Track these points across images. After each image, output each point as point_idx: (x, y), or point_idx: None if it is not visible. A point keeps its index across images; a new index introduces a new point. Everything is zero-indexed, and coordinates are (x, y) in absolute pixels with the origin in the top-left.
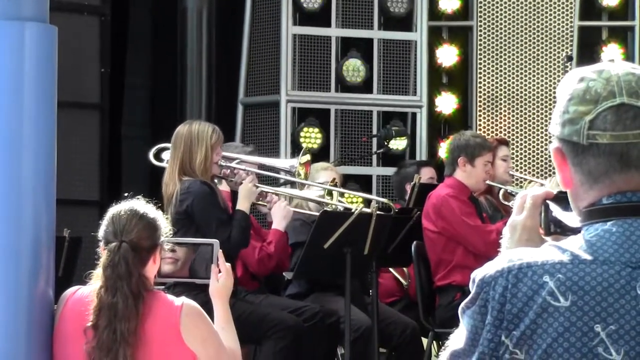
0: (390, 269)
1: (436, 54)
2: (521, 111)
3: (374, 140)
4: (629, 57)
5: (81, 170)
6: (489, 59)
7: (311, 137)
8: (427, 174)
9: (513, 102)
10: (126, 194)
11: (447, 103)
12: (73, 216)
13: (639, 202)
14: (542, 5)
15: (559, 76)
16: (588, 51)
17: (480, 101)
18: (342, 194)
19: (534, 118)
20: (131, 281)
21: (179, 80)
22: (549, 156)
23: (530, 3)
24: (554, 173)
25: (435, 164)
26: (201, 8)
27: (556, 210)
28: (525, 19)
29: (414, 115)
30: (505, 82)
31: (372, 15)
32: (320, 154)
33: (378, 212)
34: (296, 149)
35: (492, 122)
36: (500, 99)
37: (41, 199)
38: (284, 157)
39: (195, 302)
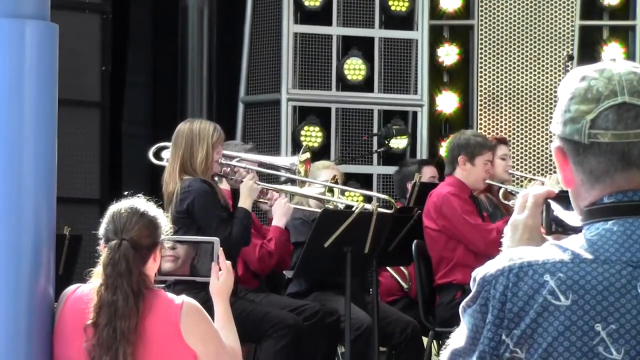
0: (391, 272)
1: (437, 53)
2: (522, 110)
3: (375, 139)
4: (630, 56)
5: (82, 169)
6: (489, 58)
7: (312, 135)
8: (428, 173)
9: (514, 101)
10: (126, 193)
11: (448, 102)
12: (73, 214)
13: None
14: (543, 5)
15: (559, 75)
16: (589, 50)
17: (481, 100)
18: (343, 192)
19: (534, 117)
20: (131, 279)
21: (180, 78)
22: (550, 155)
23: (531, 2)
24: (554, 172)
25: (436, 163)
26: (202, 6)
27: (557, 210)
28: (526, 18)
29: (414, 114)
30: (506, 81)
31: (373, 14)
32: (321, 153)
33: (379, 209)
34: (297, 148)
35: (493, 121)
36: (501, 98)
37: (41, 196)
38: (285, 156)
39: (195, 300)
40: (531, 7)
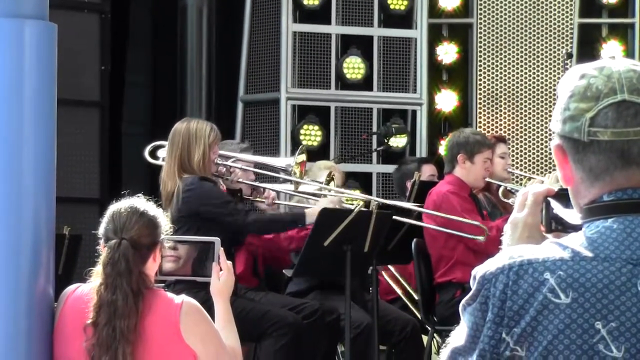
0: (394, 273)
1: (436, 52)
2: (521, 108)
3: (374, 137)
4: (629, 54)
5: (81, 168)
6: (489, 56)
7: (311, 134)
8: (428, 171)
9: (513, 99)
10: (124, 192)
11: (447, 100)
12: (73, 214)
13: None
14: (542, 3)
15: (559, 73)
16: (588, 48)
17: (480, 98)
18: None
19: (534, 115)
20: (131, 279)
21: (179, 77)
22: (549, 153)
23: (530, 0)
24: (553, 170)
25: (436, 161)
26: (201, 5)
27: (557, 208)
28: (525, 16)
29: (414, 112)
30: (505, 80)
31: (372, 13)
32: (320, 152)
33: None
34: (296, 146)
35: (492, 120)
36: (500, 96)
37: (41, 196)
38: (284, 155)
39: (195, 300)
40: (530, 5)
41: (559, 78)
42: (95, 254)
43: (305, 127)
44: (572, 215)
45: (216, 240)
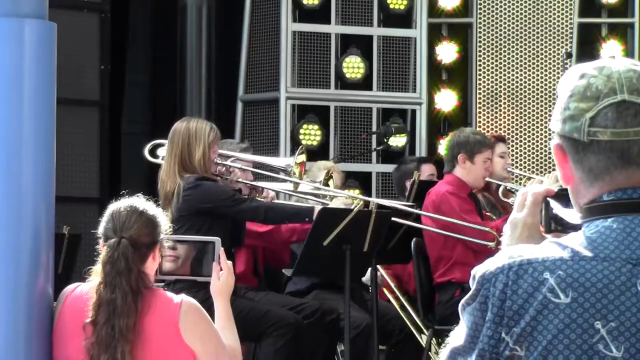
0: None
1: (436, 51)
2: (521, 108)
3: (374, 137)
4: (629, 54)
5: (81, 168)
6: (488, 55)
7: (311, 134)
8: (427, 171)
9: (513, 99)
10: (123, 192)
11: (446, 100)
12: (72, 213)
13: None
14: (542, 2)
15: (558, 73)
16: (588, 48)
17: (479, 98)
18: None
19: (533, 115)
20: (130, 277)
21: (179, 77)
22: (548, 153)
23: (529, 0)
24: (553, 169)
25: (435, 161)
26: (201, 5)
27: (557, 207)
28: (525, 16)
29: (413, 112)
30: (504, 79)
31: (372, 12)
32: (319, 151)
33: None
34: (295, 146)
35: (492, 119)
36: (500, 96)
37: (40, 196)
38: (284, 155)
39: (194, 299)
40: (530, 4)
41: (558, 78)
42: (95, 253)
43: (304, 126)
44: (571, 215)
45: (216, 240)
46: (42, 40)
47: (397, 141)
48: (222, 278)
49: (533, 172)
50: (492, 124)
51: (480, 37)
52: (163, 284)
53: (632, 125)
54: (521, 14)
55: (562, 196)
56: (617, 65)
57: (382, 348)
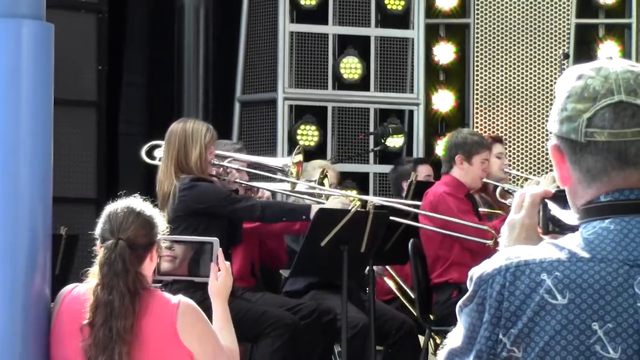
0: (391, 272)
1: (433, 52)
2: (518, 109)
3: (371, 137)
4: (626, 54)
5: (78, 168)
6: (486, 56)
7: (308, 134)
8: (423, 172)
9: (510, 99)
10: (120, 193)
11: (444, 100)
12: (70, 214)
13: (637, 200)
14: (539, 3)
15: (555, 74)
16: (585, 49)
17: (477, 98)
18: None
19: (530, 115)
20: (127, 279)
21: (176, 77)
22: (546, 153)
23: (527, 0)
24: (550, 170)
25: (432, 161)
26: (198, 5)
27: (554, 209)
28: (522, 17)
29: (411, 112)
30: (502, 80)
31: (369, 13)
32: (317, 152)
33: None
34: (293, 147)
35: (489, 120)
36: (497, 97)
37: (38, 196)
38: (281, 155)
39: (192, 300)
40: (527, 5)
41: (555, 78)
42: (92, 254)
43: (302, 127)
44: (569, 216)
45: (215, 240)
46: (40, 40)
47: (395, 142)
48: (220, 279)
49: (530, 172)
50: (489, 125)
51: (477, 37)
52: (160, 284)
53: (629, 126)
54: (518, 14)
55: (559, 197)
56: (615, 66)
57: (379, 348)
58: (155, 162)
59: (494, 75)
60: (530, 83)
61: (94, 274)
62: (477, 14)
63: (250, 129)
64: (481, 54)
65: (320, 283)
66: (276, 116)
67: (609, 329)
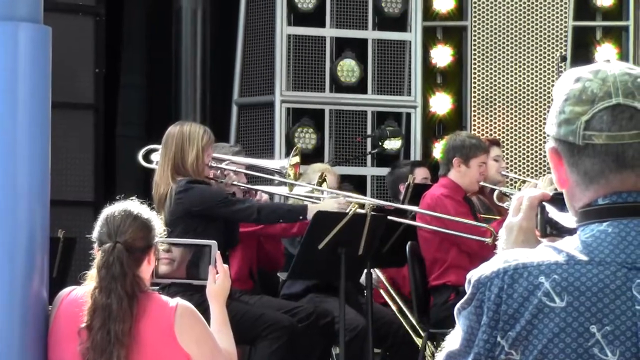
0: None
1: (430, 54)
2: (515, 111)
3: (369, 140)
4: (623, 57)
5: (75, 171)
6: (483, 59)
7: (305, 137)
8: (421, 174)
9: (507, 102)
10: (118, 197)
11: (441, 103)
12: (67, 217)
13: (635, 203)
14: (537, 5)
15: (553, 76)
16: (582, 51)
17: (474, 101)
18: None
19: (528, 118)
20: (125, 282)
21: (174, 80)
22: (543, 156)
23: (524, 3)
24: (547, 173)
25: (430, 164)
26: (196, 8)
27: (552, 211)
28: (520, 19)
29: (408, 115)
30: (499, 82)
31: (367, 16)
32: (314, 155)
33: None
34: (290, 150)
35: (487, 122)
36: (495, 99)
37: (35, 199)
38: (279, 158)
39: (190, 302)
40: (524, 7)
41: (553, 81)
42: (90, 257)
43: (299, 129)
44: (567, 219)
45: (213, 243)
46: (37, 44)
47: (392, 144)
48: (218, 281)
49: (527, 175)
50: (486, 127)
51: (475, 40)
52: (158, 287)
53: (627, 129)
54: (516, 17)
55: (557, 200)
56: (613, 68)
57: (377, 351)
58: (152, 166)
59: (491, 78)
60: (528, 86)
61: (91, 277)
62: (475, 16)
63: (248, 131)
64: (478, 57)
65: (317, 286)
66: (273, 119)
67: (607, 332)
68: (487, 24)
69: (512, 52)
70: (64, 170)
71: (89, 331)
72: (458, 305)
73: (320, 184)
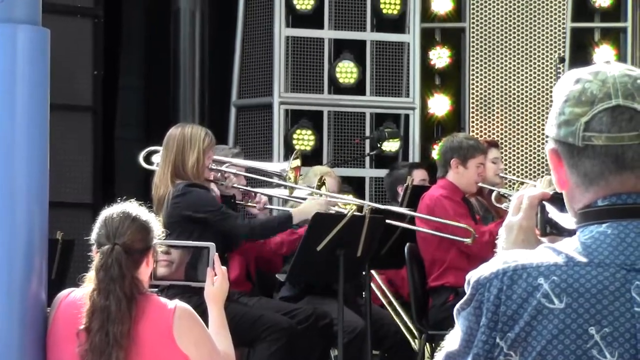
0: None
1: (429, 56)
2: (514, 113)
3: (367, 142)
4: (622, 58)
5: (74, 173)
6: (481, 60)
7: (304, 139)
8: (419, 176)
9: (505, 103)
10: (117, 199)
11: (439, 105)
12: (66, 218)
13: (634, 204)
14: (535, 7)
15: (551, 78)
16: (580, 53)
17: (472, 103)
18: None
19: (526, 120)
20: (124, 284)
21: (172, 82)
22: (541, 158)
23: (522, 4)
24: (546, 174)
25: (428, 165)
26: (194, 10)
27: (552, 212)
28: (518, 21)
29: (406, 117)
30: (497, 84)
31: (365, 17)
32: (313, 156)
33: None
34: (289, 151)
35: (485, 124)
36: (493, 101)
37: (34, 201)
38: (277, 159)
39: (188, 304)
40: (522, 9)
41: (551, 82)
42: (88, 259)
43: (298, 131)
44: (567, 220)
45: (211, 245)
46: (36, 46)
47: (391, 146)
48: (216, 283)
49: (526, 177)
50: (485, 129)
51: (473, 41)
52: (157, 289)
53: (626, 130)
54: (514, 18)
55: (557, 199)
56: (612, 70)
57: (375, 353)
58: (153, 168)
59: (489, 79)
60: (526, 87)
61: (90, 279)
62: (473, 18)
63: (246, 133)
64: (477, 58)
65: (316, 288)
66: (272, 121)
67: (605, 334)
68: (486, 25)
69: (510, 54)
70: (63, 172)
71: (87, 333)
72: (457, 305)
73: (319, 187)
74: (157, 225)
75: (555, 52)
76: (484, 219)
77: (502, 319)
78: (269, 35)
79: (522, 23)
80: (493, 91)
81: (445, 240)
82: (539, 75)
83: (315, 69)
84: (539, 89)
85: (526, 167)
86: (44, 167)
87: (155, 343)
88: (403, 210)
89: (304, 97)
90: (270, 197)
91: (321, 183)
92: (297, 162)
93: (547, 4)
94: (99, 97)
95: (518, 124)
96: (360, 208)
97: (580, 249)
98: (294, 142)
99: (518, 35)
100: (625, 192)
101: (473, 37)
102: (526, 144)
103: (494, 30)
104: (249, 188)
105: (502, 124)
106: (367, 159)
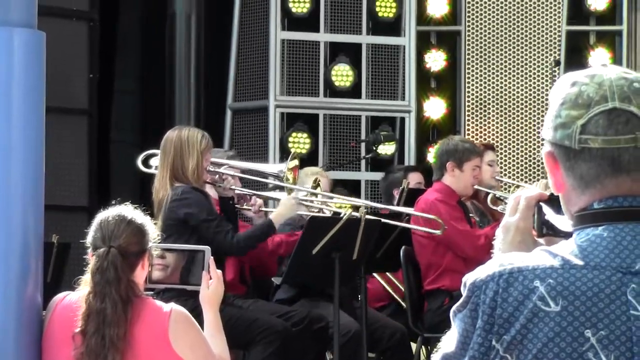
0: (380, 281)
1: (424, 59)
2: (509, 116)
3: (363, 145)
4: (617, 61)
5: (70, 176)
6: (477, 63)
7: (300, 142)
8: (414, 179)
9: (501, 106)
10: (113, 202)
11: (435, 108)
12: (61, 222)
13: (630, 207)
14: (530, 10)
15: (546, 81)
16: (576, 56)
17: (468, 106)
18: (330, 197)
19: (522, 122)
20: (120, 287)
21: (168, 85)
22: (537, 161)
23: (518, 8)
24: (541, 177)
25: (424, 168)
26: (190, 13)
27: (549, 213)
28: (513, 24)
29: (402, 120)
30: (493, 87)
31: (361, 20)
32: (309, 159)
33: (367, 216)
34: (285, 154)
35: (481, 127)
36: (489, 104)
37: (29, 204)
38: (273, 162)
39: (184, 308)
40: (518, 12)
41: (547, 85)
42: (84, 262)
43: (293, 134)
44: (563, 222)
45: (206, 248)
46: (31, 49)
47: (386, 149)
48: (211, 287)
49: (522, 180)
50: (480, 132)
51: (468, 44)
52: (152, 292)
53: (622, 133)
54: (509, 21)
55: (554, 201)
56: (609, 73)
57: (371, 355)
58: (152, 171)
59: (485, 83)
60: (522, 90)
61: (85, 282)
62: (468, 21)
63: (242, 136)
64: (472, 61)
65: (311, 290)
66: (268, 124)
67: (601, 337)
68: (481, 28)
69: (505, 57)
70: (59, 176)
71: (83, 336)
72: (454, 307)
73: (315, 188)
74: (152, 228)
75: (550, 55)
76: (480, 222)
77: (498, 322)
78: (264, 39)
79: (518, 26)
80: (488, 94)
81: (442, 243)
82: (534, 78)
83: (311, 72)
84: (534, 92)
85: (522, 170)
86: (39, 170)
87: (151, 346)
88: (399, 209)
89: (299, 100)
90: (265, 200)
91: (316, 184)
92: (295, 163)
93: (542, 8)
94: (95, 100)
95: (513, 127)
96: (355, 208)
97: (577, 251)
98: (290, 145)
99: (513, 38)
100: (621, 194)
101: (469, 40)
102: (522, 146)
103: (489, 33)
104: (246, 190)
105: (497, 127)
106: (363, 162)
